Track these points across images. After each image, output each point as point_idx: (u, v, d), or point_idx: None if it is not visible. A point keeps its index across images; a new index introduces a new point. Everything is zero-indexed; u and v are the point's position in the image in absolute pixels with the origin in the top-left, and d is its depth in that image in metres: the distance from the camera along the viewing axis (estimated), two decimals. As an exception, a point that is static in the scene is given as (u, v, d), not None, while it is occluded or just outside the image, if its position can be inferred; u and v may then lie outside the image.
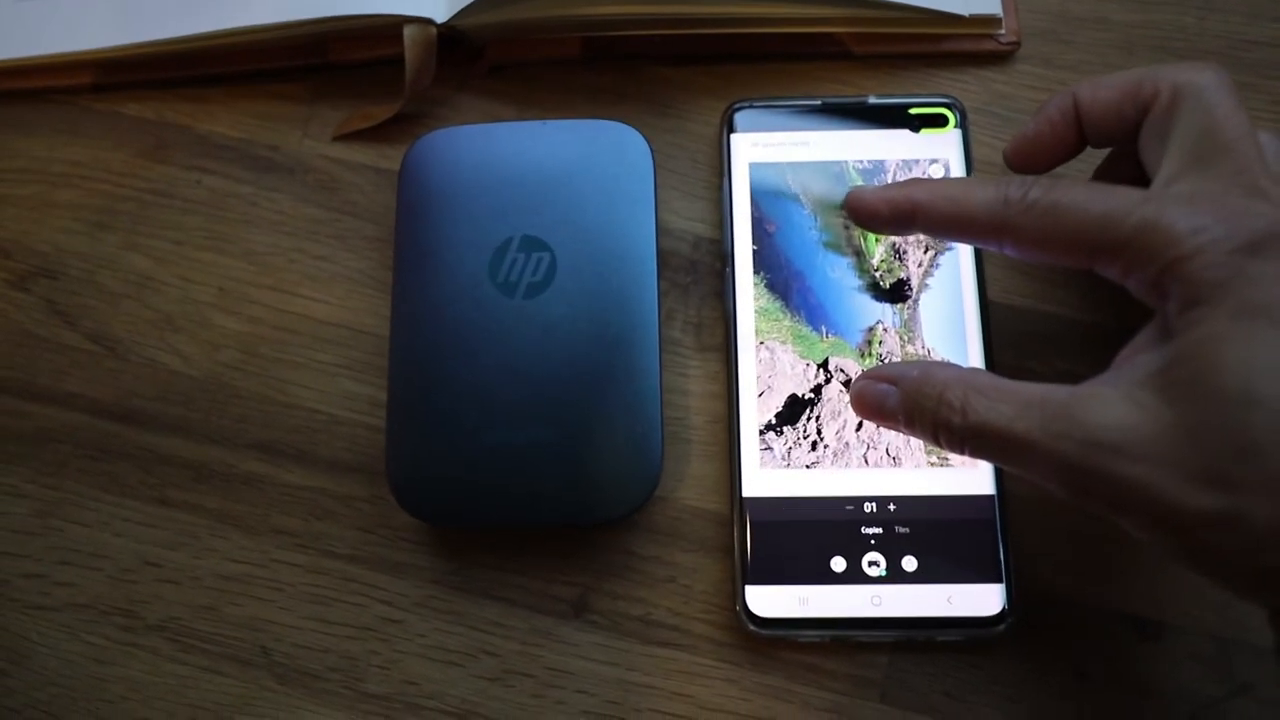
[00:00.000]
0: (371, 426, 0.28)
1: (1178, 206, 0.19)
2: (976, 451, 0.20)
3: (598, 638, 0.26)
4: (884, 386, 0.22)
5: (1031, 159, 0.24)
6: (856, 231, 0.27)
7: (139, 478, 0.28)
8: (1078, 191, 0.20)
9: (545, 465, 0.25)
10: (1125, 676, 0.25)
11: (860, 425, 0.26)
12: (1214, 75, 0.21)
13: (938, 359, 0.26)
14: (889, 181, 0.27)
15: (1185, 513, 0.17)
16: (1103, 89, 0.23)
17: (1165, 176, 0.21)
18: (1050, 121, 0.24)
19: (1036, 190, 0.21)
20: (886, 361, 0.26)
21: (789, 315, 0.27)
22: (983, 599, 0.24)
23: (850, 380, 0.26)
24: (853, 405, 0.23)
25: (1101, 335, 0.28)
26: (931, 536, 0.25)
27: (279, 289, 0.29)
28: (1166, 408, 0.18)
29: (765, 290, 0.27)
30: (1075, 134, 0.23)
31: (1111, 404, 0.18)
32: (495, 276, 0.26)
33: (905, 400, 0.21)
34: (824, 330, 0.27)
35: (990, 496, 0.25)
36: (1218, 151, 0.20)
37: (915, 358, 0.26)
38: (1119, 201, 0.20)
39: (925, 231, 0.23)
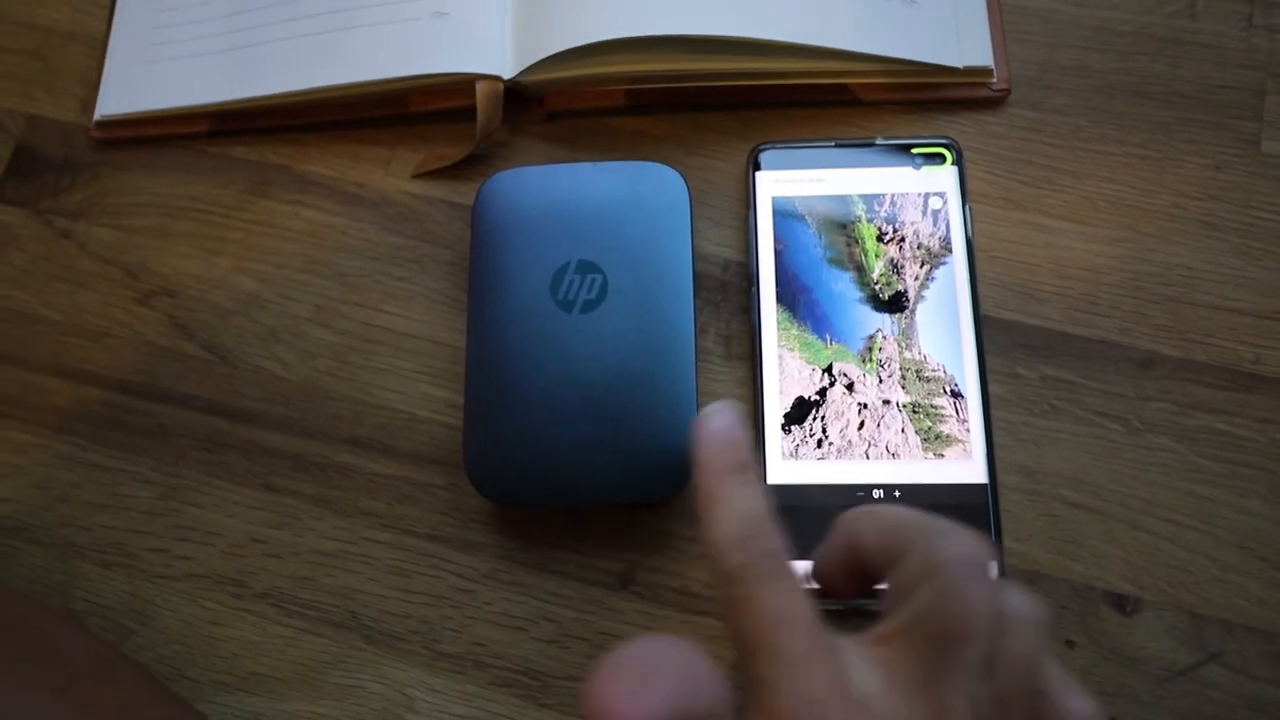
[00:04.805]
0: (447, 424, 0.32)
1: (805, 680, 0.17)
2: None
3: (642, 606, 0.29)
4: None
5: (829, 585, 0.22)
6: (858, 248, 0.31)
7: (246, 467, 0.32)
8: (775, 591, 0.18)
9: (598, 455, 0.28)
10: (1108, 645, 0.28)
11: (862, 425, 0.30)
12: (962, 570, 0.18)
13: (935, 363, 0.30)
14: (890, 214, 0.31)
15: None
16: (870, 529, 0.20)
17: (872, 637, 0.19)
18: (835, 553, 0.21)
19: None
20: (887, 368, 0.30)
21: (796, 325, 0.31)
22: (977, 574, 0.28)
23: (853, 384, 0.30)
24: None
25: (1082, 348, 0.31)
26: (932, 519, 0.28)
27: (366, 306, 0.34)
28: None
29: (775, 302, 0.31)
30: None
31: None
32: (555, 295, 0.30)
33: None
34: (828, 338, 0.31)
35: (984, 485, 0.29)
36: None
37: (913, 363, 0.30)
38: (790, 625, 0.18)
39: None
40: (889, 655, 0.18)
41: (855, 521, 0.21)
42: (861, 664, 0.18)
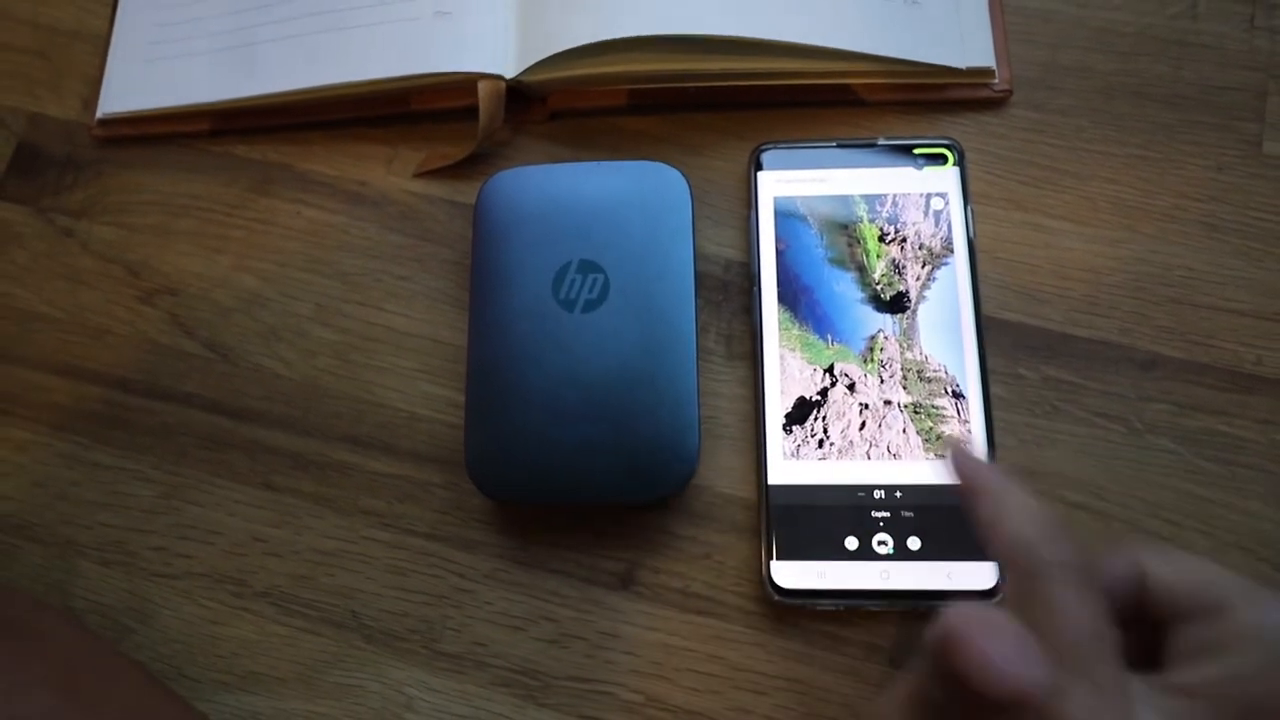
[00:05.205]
0: (448, 423, 0.32)
1: None
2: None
3: (642, 606, 0.29)
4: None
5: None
6: (859, 248, 0.31)
7: (247, 465, 0.32)
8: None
9: (599, 455, 0.28)
10: (1107, 647, 0.28)
11: (863, 425, 0.30)
12: None
13: (936, 364, 0.30)
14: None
15: None
16: (1176, 572, 0.20)
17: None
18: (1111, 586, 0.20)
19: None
20: (888, 368, 0.30)
21: (798, 325, 0.31)
22: (978, 574, 0.28)
23: (855, 384, 0.30)
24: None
25: (1084, 349, 0.31)
26: (933, 519, 0.28)
27: (367, 304, 0.34)
28: None
29: (776, 302, 0.31)
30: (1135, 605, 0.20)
31: None
32: (557, 294, 0.30)
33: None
34: (829, 338, 0.31)
35: (985, 486, 0.29)
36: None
37: (914, 363, 0.30)
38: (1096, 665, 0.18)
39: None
40: (1189, 708, 0.18)
41: (1146, 557, 0.20)
42: (1155, 708, 0.18)
